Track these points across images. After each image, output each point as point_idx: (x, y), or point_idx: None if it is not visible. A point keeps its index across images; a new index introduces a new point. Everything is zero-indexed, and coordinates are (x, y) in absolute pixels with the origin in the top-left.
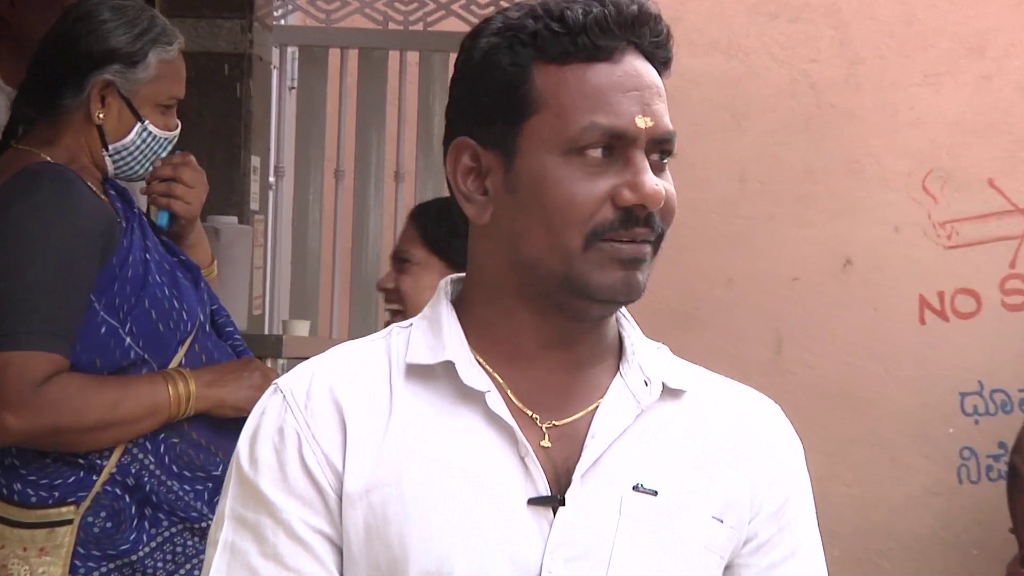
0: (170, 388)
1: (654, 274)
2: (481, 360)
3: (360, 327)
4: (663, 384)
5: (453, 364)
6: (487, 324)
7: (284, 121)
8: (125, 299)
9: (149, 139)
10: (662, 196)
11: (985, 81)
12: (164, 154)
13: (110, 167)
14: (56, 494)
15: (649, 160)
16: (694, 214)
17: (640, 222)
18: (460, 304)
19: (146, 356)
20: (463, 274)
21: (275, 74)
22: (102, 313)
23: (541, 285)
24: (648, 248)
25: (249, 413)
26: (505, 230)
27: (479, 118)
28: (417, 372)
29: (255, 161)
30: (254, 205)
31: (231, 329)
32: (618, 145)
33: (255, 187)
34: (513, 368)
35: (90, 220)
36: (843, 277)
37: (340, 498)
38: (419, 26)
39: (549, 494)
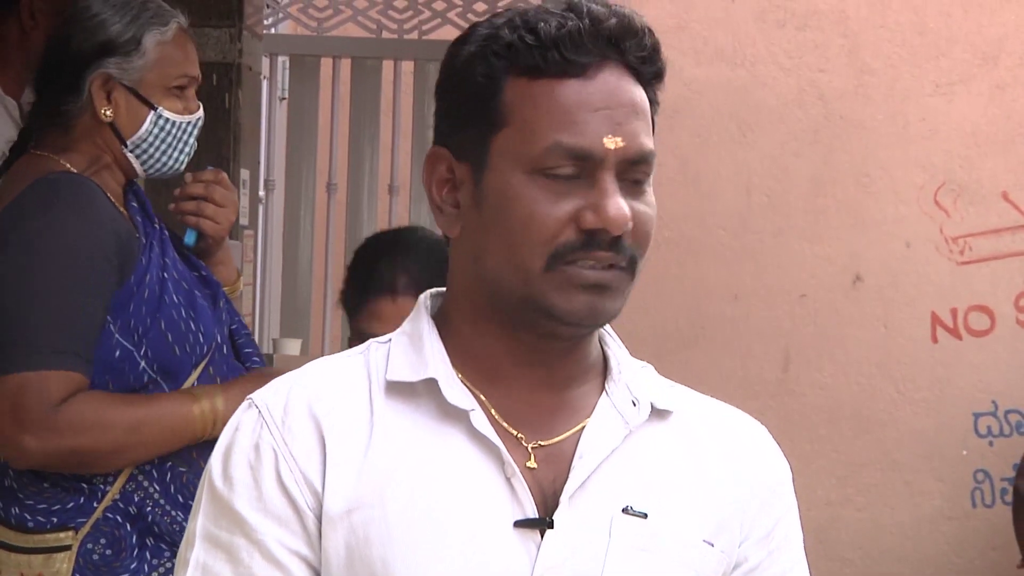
0: (195, 408)
1: (658, 290)
2: (463, 378)
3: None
4: (651, 404)
5: (436, 382)
6: (466, 341)
7: (274, 133)
8: (140, 320)
9: (168, 125)
10: (626, 220)
11: (999, 91)
12: (192, 140)
13: (137, 166)
14: (54, 519)
15: (624, 181)
16: (699, 228)
17: (604, 246)
18: (440, 319)
19: (159, 379)
20: (443, 288)
21: (265, 84)
22: (117, 336)
23: (504, 303)
24: (615, 273)
25: None
26: (471, 245)
27: (454, 128)
28: (398, 389)
29: (244, 174)
30: (243, 220)
31: (250, 350)
32: (585, 166)
33: (244, 201)
34: (495, 387)
35: (108, 235)
36: (853, 293)
37: (319, 519)
38: (414, 35)
39: (536, 516)
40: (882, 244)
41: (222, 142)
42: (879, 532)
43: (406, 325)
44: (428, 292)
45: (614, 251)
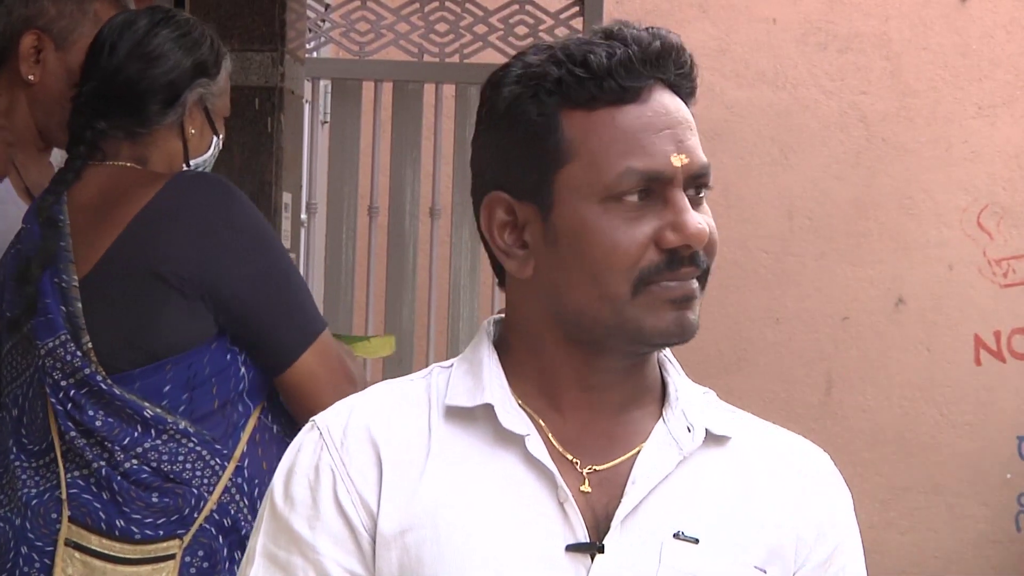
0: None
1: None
2: (522, 403)
3: (395, 370)
4: (707, 430)
5: (492, 407)
6: (528, 368)
7: (316, 156)
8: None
9: (216, 152)
10: (707, 234)
11: None
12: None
13: None
14: (160, 531)
15: (689, 197)
16: (741, 251)
17: (686, 262)
18: (501, 346)
19: (243, 395)
20: (503, 315)
21: (307, 108)
22: (228, 341)
23: (589, 333)
24: (696, 284)
25: None
26: (547, 282)
27: (510, 170)
28: (456, 414)
29: (287, 198)
30: (286, 243)
31: None
32: (656, 187)
33: (287, 224)
34: (554, 412)
35: None
36: (896, 316)
37: (374, 538)
38: (455, 58)
39: (587, 540)
40: (925, 267)
41: (264, 166)
42: (923, 556)
43: (468, 351)
44: (491, 318)
45: (695, 265)
